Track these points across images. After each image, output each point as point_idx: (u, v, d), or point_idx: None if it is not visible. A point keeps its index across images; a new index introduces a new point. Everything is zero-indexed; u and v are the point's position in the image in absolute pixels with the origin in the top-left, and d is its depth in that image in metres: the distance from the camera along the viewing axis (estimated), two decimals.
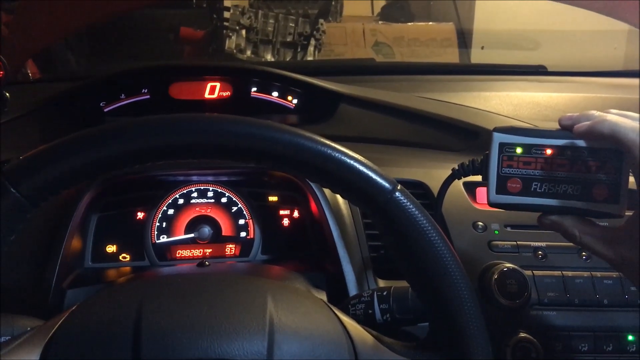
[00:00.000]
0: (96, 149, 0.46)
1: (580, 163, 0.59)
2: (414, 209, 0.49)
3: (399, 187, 0.49)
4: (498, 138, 0.61)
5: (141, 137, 0.46)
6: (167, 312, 0.47)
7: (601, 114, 0.57)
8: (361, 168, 0.48)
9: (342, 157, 0.48)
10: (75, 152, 0.46)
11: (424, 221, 0.49)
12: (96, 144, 0.46)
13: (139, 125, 0.47)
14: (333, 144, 0.48)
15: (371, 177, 0.48)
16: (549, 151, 0.59)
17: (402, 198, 0.48)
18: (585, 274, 0.74)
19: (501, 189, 0.61)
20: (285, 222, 0.88)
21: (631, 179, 0.57)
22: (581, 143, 0.58)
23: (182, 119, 0.47)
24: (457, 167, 0.66)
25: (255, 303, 0.48)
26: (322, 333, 0.49)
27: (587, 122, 0.57)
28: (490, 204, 0.62)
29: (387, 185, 0.48)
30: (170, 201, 0.85)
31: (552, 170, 0.59)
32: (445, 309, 0.50)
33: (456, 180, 0.67)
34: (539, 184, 0.60)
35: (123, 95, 0.98)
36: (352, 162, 0.48)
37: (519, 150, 0.60)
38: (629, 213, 0.57)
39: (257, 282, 0.53)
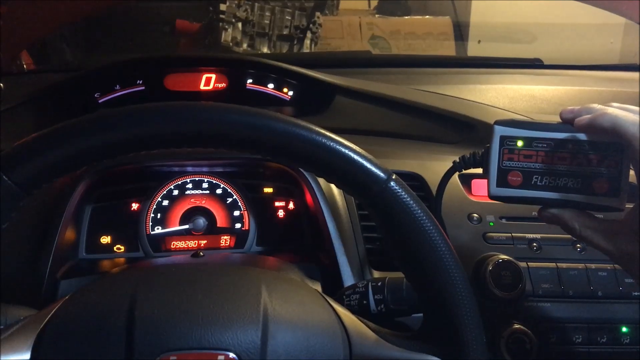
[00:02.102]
0: (88, 136, 0.46)
1: (581, 156, 0.59)
2: (408, 199, 0.48)
3: (393, 177, 0.49)
4: (499, 131, 0.61)
5: (134, 125, 0.46)
6: (161, 302, 0.46)
7: (602, 107, 0.57)
8: (356, 157, 0.48)
9: (337, 146, 0.47)
10: (68, 139, 0.46)
11: (419, 211, 0.49)
12: (88, 132, 0.46)
13: (132, 113, 0.46)
14: (328, 133, 0.48)
15: (366, 167, 0.48)
16: (550, 144, 0.59)
17: (397, 188, 0.48)
18: (580, 265, 0.74)
19: (502, 182, 0.61)
20: (281, 213, 0.88)
21: (632, 172, 0.57)
22: (582, 136, 0.58)
23: (176, 107, 0.47)
24: (458, 160, 0.66)
25: (250, 293, 0.48)
26: (316, 323, 0.49)
27: (588, 116, 0.57)
28: (491, 197, 0.62)
29: (382, 174, 0.48)
30: (164, 192, 0.85)
31: (553, 163, 0.59)
32: (439, 300, 0.50)
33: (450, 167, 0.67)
34: (539, 177, 0.60)
35: (118, 86, 0.98)
36: (346, 151, 0.48)
37: (520, 143, 0.60)
38: (629, 205, 0.57)
39: (251, 272, 0.53)
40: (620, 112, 0.55)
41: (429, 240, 0.49)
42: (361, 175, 0.48)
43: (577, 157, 0.59)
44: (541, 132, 0.60)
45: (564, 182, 0.59)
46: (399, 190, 0.48)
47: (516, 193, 0.61)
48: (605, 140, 0.58)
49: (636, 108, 0.55)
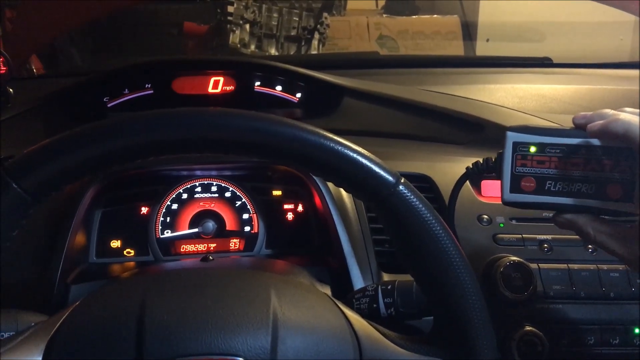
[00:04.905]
0: (97, 144, 0.46)
1: (594, 162, 0.58)
2: (417, 203, 0.48)
3: (402, 181, 0.49)
4: (512, 137, 0.61)
5: (142, 131, 0.46)
6: (170, 307, 0.47)
7: (615, 112, 0.57)
8: (364, 161, 0.48)
9: (345, 151, 0.47)
10: (77, 147, 0.46)
11: (428, 214, 0.49)
12: (97, 139, 0.46)
13: (140, 119, 0.46)
14: (336, 137, 0.48)
15: (374, 171, 0.48)
16: (563, 150, 0.59)
17: (405, 191, 0.48)
18: (591, 266, 0.74)
19: (515, 188, 0.61)
20: (290, 216, 0.88)
21: None
22: (595, 142, 0.58)
23: (184, 113, 0.47)
24: (471, 167, 0.66)
25: (259, 297, 0.48)
26: (326, 327, 0.49)
27: (601, 121, 0.57)
28: (505, 203, 0.62)
29: (390, 178, 0.48)
30: (174, 196, 0.85)
31: (566, 169, 0.59)
32: (449, 303, 0.50)
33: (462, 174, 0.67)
34: (553, 183, 0.60)
35: (126, 90, 0.98)
36: (355, 155, 0.48)
37: (532, 149, 0.60)
38: None
39: (260, 276, 0.53)
40: (633, 118, 0.55)
41: (438, 244, 0.49)
42: (369, 180, 0.48)
43: (590, 162, 0.59)
44: (554, 138, 0.60)
45: (577, 187, 0.59)
46: (408, 194, 0.48)
47: (530, 199, 0.61)
48: (619, 146, 0.57)
49: None
